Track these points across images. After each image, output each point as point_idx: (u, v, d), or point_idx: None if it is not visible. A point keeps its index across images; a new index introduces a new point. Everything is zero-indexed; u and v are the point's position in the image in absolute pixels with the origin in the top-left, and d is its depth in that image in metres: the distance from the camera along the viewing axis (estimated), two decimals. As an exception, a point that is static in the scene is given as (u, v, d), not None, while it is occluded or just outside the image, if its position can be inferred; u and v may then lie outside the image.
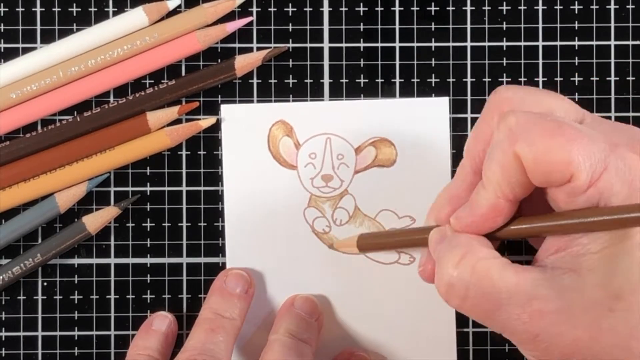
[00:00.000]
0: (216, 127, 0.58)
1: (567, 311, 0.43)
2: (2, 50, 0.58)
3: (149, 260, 0.59)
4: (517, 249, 0.58)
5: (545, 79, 0.59)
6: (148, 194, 0.58)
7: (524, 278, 0.44)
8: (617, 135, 0.45)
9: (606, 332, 0.43)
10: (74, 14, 0.58)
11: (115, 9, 0.58)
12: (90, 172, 0.57)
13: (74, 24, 0.58)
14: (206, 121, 0.58)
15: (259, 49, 0.58)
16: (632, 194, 0.43)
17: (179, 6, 0.58)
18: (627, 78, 0.59)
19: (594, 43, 0.59)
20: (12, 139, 0.58)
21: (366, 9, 0.59)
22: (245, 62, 0.58)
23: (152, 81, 0.58)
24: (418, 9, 0.59)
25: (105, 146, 0.57)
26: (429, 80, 0.59)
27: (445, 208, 0.49)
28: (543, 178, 0.44)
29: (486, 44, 0.59)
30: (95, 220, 0.57)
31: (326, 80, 0.59)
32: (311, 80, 0.59)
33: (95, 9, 0.58)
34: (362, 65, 0.59)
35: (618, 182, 0.43)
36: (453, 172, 0.57)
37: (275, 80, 0.58)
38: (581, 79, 0.59)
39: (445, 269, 0.46)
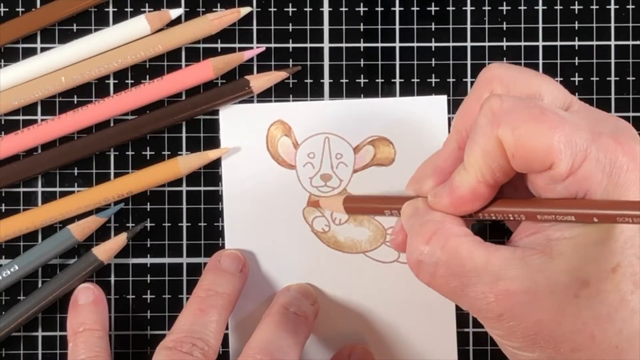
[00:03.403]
0: (215, 127, 0.58)
1: (532, 293, 0.43)
2: (2, 50, 0.58)
3: (149, 261, 0.59)
4: (499, 230, 0.58)
5: (545, 78, 0.59)
6: (148, 194, 0.58)
7: (493, 257, 0.45)
8: (602, 124, 0.45)
9: (569, 317, 0.43)
10: (74, 14, 0.58)
11: (115, 9, 0.58)
12: (105, 197, 0.58)
13: (74, 24, 0.58)
14: (214, 153, 0.58)
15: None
16: (609, 187, 0.43)
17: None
18: (627, 78, 0.59)
19: (594, 43, 0.59)
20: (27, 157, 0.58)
21: (366, 9, 0.59)
22: (262, 81, 0.58)
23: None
24: (418, 9, 0.59)
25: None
26: (429, 80, 0.59)
27: (429, 180, 0.49)
28: (523, 164, 0.44)
29: (486, 44, 0.59)
30: (105, 251, 0.58)
31: (326, 80, 0.59)
32: (311, 80, 0.59)
33: (95, 10, 0.58)
34: (362, 65, 0.59)
35: (597, 174, 0.43)
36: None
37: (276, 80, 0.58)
38: (581, 79, 0.59)
39: (416, 244, 0.46)
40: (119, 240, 0.58)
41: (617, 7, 0.59)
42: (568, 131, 0.43)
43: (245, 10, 0.58)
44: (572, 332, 0.43)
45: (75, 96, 0.58)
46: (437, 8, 0.59)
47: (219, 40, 0.58)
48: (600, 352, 0.43)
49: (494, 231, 0.58)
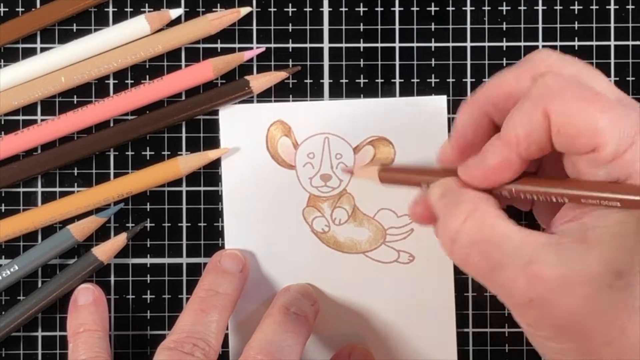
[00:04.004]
0: (215, 127, 0.58)
1: (565, 280, 0.43)
2: (2, 50, 0.58)
3: (149, 261, 0.59)
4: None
5: (545, 79, 0.58)
6: (148, 194, 0.58)
7: (528, 240, 0.44)
8: None
9: (602, 307, 0.43)
10: (74, 14, 0.58)
11: (115, 9, 0.58)
12: (105, 197, 0.58)
13: (74, 24, 0.58)
14: (214, 153, 0.58)
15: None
16: None
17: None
18: (627, 78, 0.59)
19: (594, 43, 0.59)
20: (27, 157, 0.58)
21: (366, 9, 0.59)
22: (262, 81, 0.58)
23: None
24: (418, 9, 0.59)
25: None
26: (428, 80, 0.59)
27: (448, 150, 0.49)
28: (567, 142, 0.44)
29: (486, 44, 0.59)
30: (105, 251, 0.58)
31: (326, 80, 0.59)
32: (311, 80, 0.59)
33: (95, 10, 0.58)
34: (362, 66, 0.59)
35: None
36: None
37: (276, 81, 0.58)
38: (581, 79, 0.59)
39: (451, 224, 0.46)
40: (118, 241, 0.58)
41: (617, 7, 0.59)
42: (618, 116, 0.43)
43: (245, 10, 0.58)
44: (603, 323, 0.43)
45: (75, 96, 0.58)
46: (437, 8, 0.59)
47: (219, 41, 0.58)
48: (629, 347, 0.43)
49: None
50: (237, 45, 0.58)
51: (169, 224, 0.59)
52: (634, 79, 0.59)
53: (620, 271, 0.43)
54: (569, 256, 0.43)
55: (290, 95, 0.59)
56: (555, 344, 0.45)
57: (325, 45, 0.59)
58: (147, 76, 0.58)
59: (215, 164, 0.58)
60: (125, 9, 0.58)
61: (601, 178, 0.44)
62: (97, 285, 0.58)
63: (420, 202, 0.49)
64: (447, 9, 0.59)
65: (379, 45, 0.59)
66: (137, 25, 0.58)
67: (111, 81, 0.58)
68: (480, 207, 0.46)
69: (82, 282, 0.58)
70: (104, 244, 0.58)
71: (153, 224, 0.59)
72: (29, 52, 0.58)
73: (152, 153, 0.58)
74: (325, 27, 0.59)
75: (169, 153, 0.58)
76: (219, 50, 0.58)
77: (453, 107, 0.58)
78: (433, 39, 0.59)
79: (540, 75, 0.45)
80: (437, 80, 0.59)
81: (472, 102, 0.49)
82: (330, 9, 0.59)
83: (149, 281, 0.59)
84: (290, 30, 0.59)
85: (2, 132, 0.58)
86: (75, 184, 0.58)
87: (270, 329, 0.54)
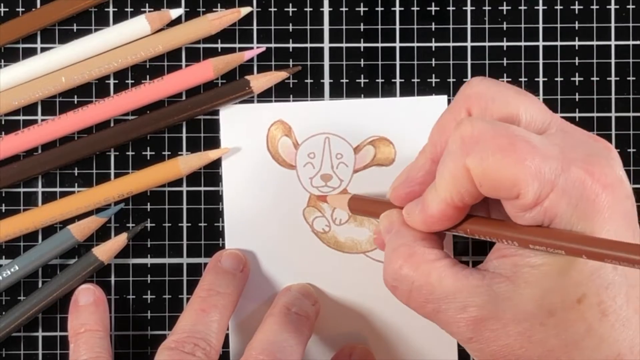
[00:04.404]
0: (215, 127, 0.58)
1: (500, 319, 0.45)
2: (2, 50, 0.58)
3: (149, 261, 0.59)
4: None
5: (545, 79, 0.58)
6: (148, 194, 0.58)
7: (461, 285, 0.46)
8: (577, 150, 0.45)
9: (536, 343, 0.44)
10: (74, 14, 0.58)
11: (115, 9, 0.58)
12: (106, 197, 0.58)
13: (74, 24, 0.58)
14: (215, 153, 0.58)
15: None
16: (574, 218, 0.44)
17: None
18: (628, 78, 0.59)
19: (594, 43, 0.59)
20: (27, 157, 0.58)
21: (366, 9, 0.59)
22: (262, 81, 0.58)
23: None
24: (418, 9, 0.59)
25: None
26: (429, 80, 0.59)
27: (401, 188, 0.50)
28: (491, 192, 0.44)
29: (486, 44, 0.59)
30: (105, 251, 0.58)
31: (326, 80, 0.59)
32: (311, 80, 0.59)
33: (95, 10, 0.58)
34: (362, 65, 0.59)
35: (563, 204, 0.43)
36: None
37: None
38: (581, 79, 0.59)
39: (390, 269, 0.48)
40: (119, 241, 0.58)
41: (617, 7, 0.59)
42: (537, 162, 0.43)
43: (245, 10, 0.58)
44: (539, 358, 0.44)
45: (75, 96, 0.58)
46: (437, 8, 0.59)
47: (219, 40, 0.58)
48: None
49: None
50: (237, 45, 0.58)
51: (170, 224, 0.59)
52: (634, 79, 0.59)
53: (551, 310, 0.44)
54: (500, 297, 0.45)
55: (291, 95, 0.58)
56: None
57: (326, 45, 0.59)
58: (148, 76, 0.58)
59: (216, 164, 0.58)
60: (126, 9, 0.58)
61: (528, 222, 0.44)
62: (98, 286, 0.58)
63: (377, 232, 0.52)
64: (448, 8, 0.59)
65: (380, 45, 0.59)
66: (138, 25, 0.58)
67: (111, 81, 0.58)
68: (417, 251, 0.47)
69: (82, 282, 0.58)
70: (104, 244, 0.58)
71: (153, 224, 0.59)
72: (29, 52, 0.58)
73: (153, 153, 0.58)
74: (326, 27, 0.59)
75: (169, 153, 0.58)
76: (219, 50, 0.58)
77: (453, 107, 0.58)
78: (433, 39, 0.59)
79: (457, 124, 0.45)
80: (438, 80, 0.59)
81: (423, 149, 0.50)
82: (331, 9, 0.59)
83: (149, 281, 0.59)
84: (290, 30, 0.59)
85: (2, 132, 0.58)
86: (76, 184, 0.58)
87: (271, 329, 0.54)
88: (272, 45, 0.59)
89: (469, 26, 0.59)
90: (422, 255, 0.47)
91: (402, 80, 0.59)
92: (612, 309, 0.44)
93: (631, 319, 0.44)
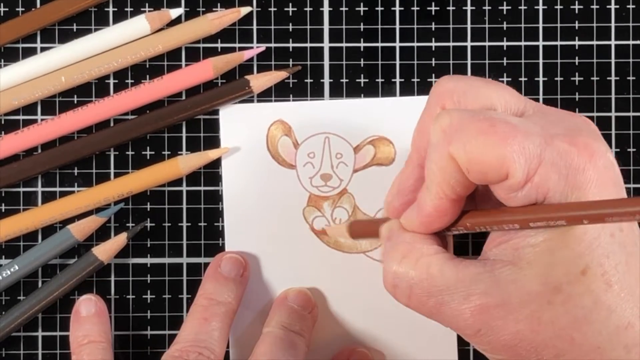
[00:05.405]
0: (215, 127, 0.58)
1: (506, 305, 0.44)
2: (2, 50, 0.58)
3: (149, 260, 0.59)
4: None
5: (545, 78, 0.58)
6: (148, 193, 0.58)
7: (463, 274, 0.45)
8: (557, 126, 0.45)
9: (546, 324, 0.44)
10: (74, 14, 0.58)
11: (115, 9, 0.58)
12: (105, 197, 0.58)
13: (74, 24, 0.58)
14: (214, 152, 0.58)
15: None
16: (567, 189, 0.43)
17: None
18: (628, 78, 0.59)
19: (594, 43, 0.59)
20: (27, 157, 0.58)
21: (366, 8, 0.59)
22: (262, 81, 0.58)
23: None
24: (418, 9, 0.59)
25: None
26: (429, 80, 0.59)
27: (394, 203, 0.50)
28: (480, 177, 0.44)
29: (486, 44, 0.59)
30: (105, 251, 0.58)
31: (326, 80, 0.59)
32: (311, 80, 0.59)
33: (95, 9, 0.58)
34: (362, 65, 0.59)
35: (554, 177, 0.43)
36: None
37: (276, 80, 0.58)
38: (581, 79, 0.59)
39: (389, 267, 0.47)
40: (119, 240, 0.58)
41: (617, 7, 0.59)
42: (519, 139, 0.43)
43: (245, 10, 0.58)
44: (551, 339, 0.44)
45: (75, 96, 0.58)
46: (437, 8, 0.59)
47: (219, 40, 0.58)
48: (582, 354, 0.44)
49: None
50: (237, 45, 0.58)
51: (169, 224, 0.59)
52: (634, 78, 0.59)
53: (556, 286, 0.43)
54: (504, 280, 0.44)
55: (291, 95, 0.59)
56: None
57: (326, 44, 0.59)
58: (147, 76, 0.58)
59: (216, 163, 0.58)
60: (126, 9, 0.58)
61: (521, 202, 0.44)
62: (99, 296, 0.58)
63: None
64: (448, 8, 0.59)
65: (379, 44, 0.59)
66: (137, 25, 0.58)
67: (111, 81, 0.58)
68: (415, 247, 0.47)
69: (82, 282, 0.58)
70: (104, 244, 0.58)
71: (153, 224, 0.59)
72: (29, 52, 0.58)
73: (152, 153, 0.58)
74: (326, 27, 0.59)
75: (169, 153, 0.58)
76: (219, 49, 0.58)
77: (453, 107, 0.58)
78: (433, 39, 0.59)
79: (434, 118, 0.45)
80: (437, 80, 0.58)
81: (409, 157, 0.50)
82: (331, 9, 0.59)
83: (149, 281, 0.59)
84: (290, 30, 0.59)
85: (2, 132, 0.58)
86: (76, 184, 0.58)
87: (268, 350, 0.54)
88: (272, 45, 0.59)
89: (469, 26, 0.59)
90: (421, 250, 0.46)
91: (402, 80, 0.59)
92: (616, 278, 0.43)
93: (634, 288, 0.43)
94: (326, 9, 0.59)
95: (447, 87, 0.47)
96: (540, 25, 0.59)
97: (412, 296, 0.46)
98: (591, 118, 0.57)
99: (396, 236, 0.48)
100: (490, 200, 0.46)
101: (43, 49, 0.58)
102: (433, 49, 0.59)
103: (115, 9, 0.58)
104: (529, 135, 0.43)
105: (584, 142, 0.44)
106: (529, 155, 0.43)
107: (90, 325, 0.57)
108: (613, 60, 0.59)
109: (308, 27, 0.59)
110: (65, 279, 0.57)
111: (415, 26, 0.59)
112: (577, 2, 0.59)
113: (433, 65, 0.59)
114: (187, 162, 0.58)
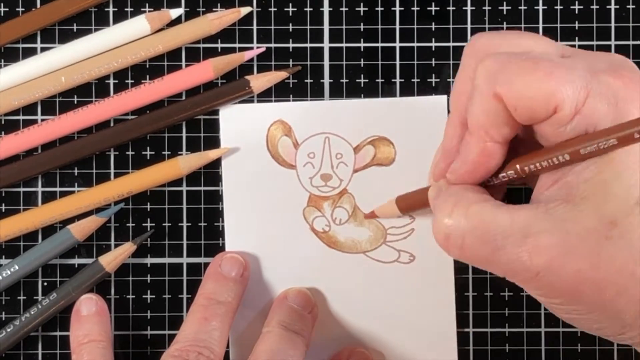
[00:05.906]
0: (215, 127, 0.58)
1: (564, 243, 0.43)
2: (2, 50, 0.58)
3: (149, 260, 0.59)
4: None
5: (545, 78, 0.58)
6: (148, 194, 0.58)
7: (517, 216, 0.44)
8: (598, 63, 0.45)
9: (606, 259, 0.43)
10: (74, 14, 0.58)
11: (115, 9, 0.58)
12: (106, 197, 0.58)
13: (74, 24, 0.58)
14: (214, 152, 0.58)
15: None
16: (618, 117, 0.43)
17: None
18: (628, 78, 0.59)
19: (594, 43, 0.59)
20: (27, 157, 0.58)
21: (366, 9, 0.59)
22: (262, 81, 0.58)
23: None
24: (418, 9, 0.59)
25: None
26: (429, 80, 0.59)
27: (440, 165, 0.50)
28: (528, 114, 0.44)
29: (486, 43, 0.59)
30: (111, 260, 0.58)
31: (326, 80, 0.59)
32: (311, 80, 0.59)
33: (95, 10, 0.58)
34: (362, 65, 0.59)
35: (603, 106, 0.43)
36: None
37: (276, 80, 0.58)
38: (581, 78, 0.59)
39: (440, 220, 0.46)
40: (126, 251, 0.58)
41: (617, 7, 0.59)
42: (565, 72, 0.43)
43: (245, 10, 0.58)
44: (613, 274, 0.43)
45: (75, 96, 0.58)
46: (437, 8, 0.59)
47: (219, 40, 0.58)
48: None
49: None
50: (237, 45, 0.58)
51: (169, 224, 0.59)
52: (634, 78, 0.59)
53: (612, 220, 0.43)
54: (560, 218, 0.44)
55: (291, 95, 0.59)
56: (571, 306, 0.45)
57: (326, 45, 0.59)
58: (148, 76, 0.58)
59: (216, 163, 0.58)
60: (126, 9, 0.58)
61: (570, 136, 0.44)
62: (99, 296, 0.58)
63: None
64: (448, 8, 0.59)
65: (380, 45, 0.59)
66: (138, 25, 0.58)
67: (111, 81, 0.58)
68: (465, 196, 0.46)
69: (87, 292, 0.58)
70: (112, 253, 0.58)
71: (153, 224, 0.59)
72: (29, 52, 0.58)
73: (153, 153, 0.58)
74: (326, 27, 0.59)
75: (169, 153, 0.59)
76: (219, 50, 0.58)
77: (453, 107, 0.58)
78: (433, 39, 0.59)
79: (479, 63, 0.45)
80: (438, 80, 0.59)
81: (449, 120, 0.49)
82: (331, 9, 0.59)
83: (149, 281, 0.59)
84: (290, 30, 0.59)
85: (2, 132, 0.58)
86: (76, 184, 0.58)
87: (268, 349, 0.54)
88: (272, 45, 0.59)
89: (469, 26, 0.59)
90: (470, 198, 0.46)
91: (402, 80, 0.59)
92: None
93: None
94: (326, 9, 0.59)
95: (482, 42, 0.48)
96: (540, 25, 0.59)
97: (465, 246, 0.46)
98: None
99: (444, 192, 0.48)
100: (529, 148, 0.46)
101: (43, 49, 0.58)
102: (433, 49, 0.59)
103: (115, 9, 0.58)
104: (574, 69, 0.43)
105: (628, 75, 0.44)
106: (576, 87, 0.43)
107: (90, 325, 0.57)
108: (613, 61, 0.59)
109: (308, 27, 0.59)
110: (72, 287, 0.57)
111: (415, 26, 0.59)
112: (577, 2, 0.59)
113: (433, 65, 0.59)
114: (187, 162, 0.58)
